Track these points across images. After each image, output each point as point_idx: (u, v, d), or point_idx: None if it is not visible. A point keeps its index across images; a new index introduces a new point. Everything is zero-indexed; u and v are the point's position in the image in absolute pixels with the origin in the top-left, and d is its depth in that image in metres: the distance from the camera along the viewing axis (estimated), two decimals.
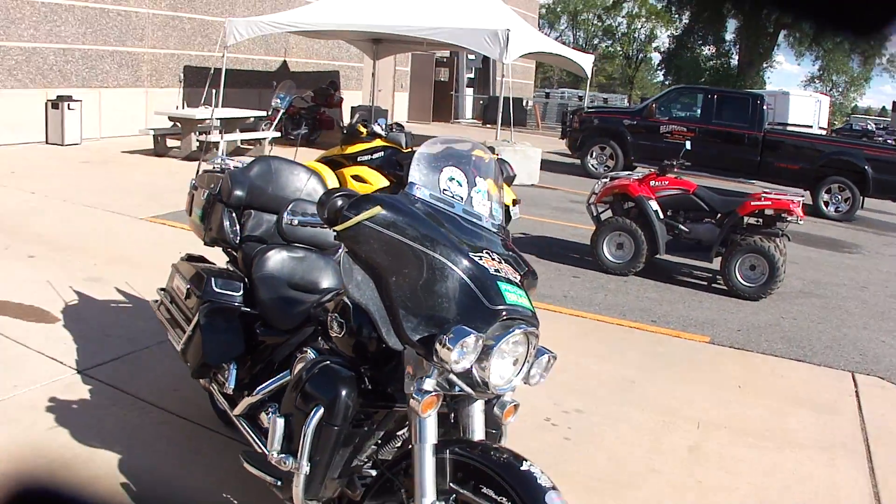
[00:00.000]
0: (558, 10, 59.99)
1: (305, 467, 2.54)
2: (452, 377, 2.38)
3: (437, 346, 2.29)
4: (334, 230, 2.48)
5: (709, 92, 15.72)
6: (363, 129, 9.39)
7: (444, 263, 2.39)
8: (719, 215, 7.74)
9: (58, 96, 13.61)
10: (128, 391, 4.36)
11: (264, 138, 14.74)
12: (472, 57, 25.51)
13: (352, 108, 20.74)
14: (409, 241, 2.40)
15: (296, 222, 2.64)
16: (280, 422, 2.66)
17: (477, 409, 2.54)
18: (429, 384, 2.36)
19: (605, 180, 8.04)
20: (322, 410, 2.53)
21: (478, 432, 2.54)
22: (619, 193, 7.86)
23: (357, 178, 9.25)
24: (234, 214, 3.74)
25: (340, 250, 2.58)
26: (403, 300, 2.42)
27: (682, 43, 48.12)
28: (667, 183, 7.76)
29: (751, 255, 7.36)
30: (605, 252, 7.72)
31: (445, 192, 2.59)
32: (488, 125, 13.93)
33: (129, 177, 11.16)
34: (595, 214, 8.07)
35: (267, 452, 2.70)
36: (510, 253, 2.68)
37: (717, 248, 7.64)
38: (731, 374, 5.47)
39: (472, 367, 2.34)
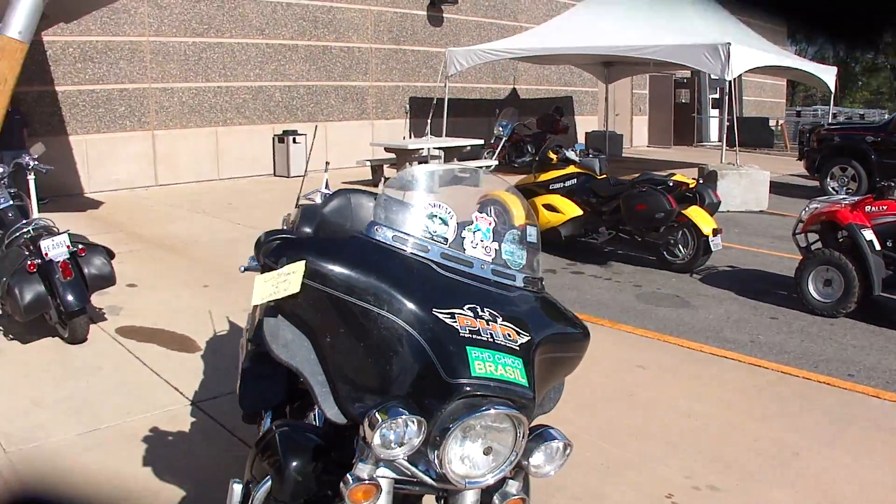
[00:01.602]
0: None
1: None
2: (404, 463, 1.95)
3: (364, 425, 1.89)
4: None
5: None
6: (554, 156, 9.00)
7: (393, 322, 1.98)
8: None
9: (283, 131, 14.41)
10: (227, 427, 4.28)
11: (482, 167, 14.71)
12: (715, 77, 24.24)
13: (585, 133, 20.39)
14: (345, 296, 2.00)
15: (242, 269, 2.33)
16: (237, 489, 2.31)
17: (466, 501, 2.05)
18: (362, 470, 1.93)
19: (813, 206, 7.03)
20: (269, 483, 2.17)
21: None
22: (827, 221, 6.83)
23: (548, 206, 8.88)
24: None
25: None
26: (341, 365, 2.04)
27: None
28: (885, 208, 6.61)
29: None
30: (811, 289, 6.70)
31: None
32: (733, 148, 12.94)
33: None
34: (803, 245, 7.08)
35: None
36: (530, 308, 2.21)
37: None
38: None
39: (429, 454, 1.91)
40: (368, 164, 14.19)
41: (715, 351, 5.71)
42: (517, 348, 2.00)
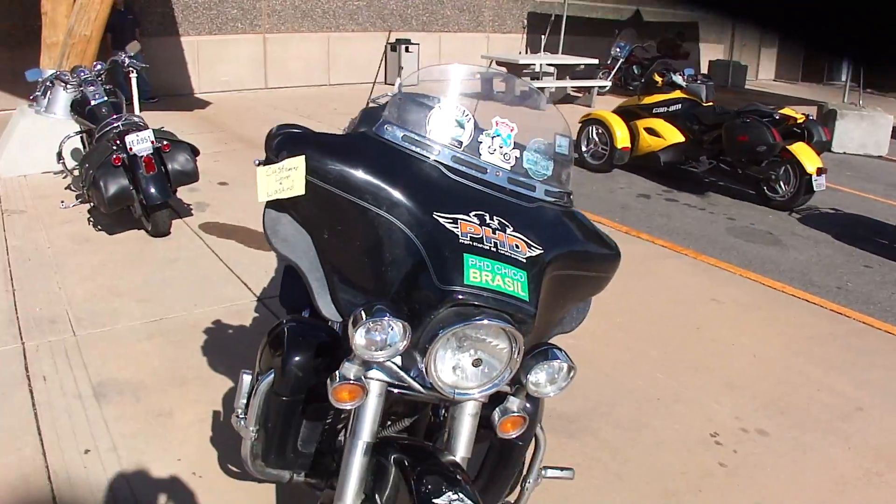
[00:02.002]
0: None
1: (252, 433, 2.23)
2: (393, 367, 1.90)
3: (349, 323, 1.82)
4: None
5: None
6: (659, 79, 8.64)
7: (391, 223, 1.89)
8: None
9: (397, 39, 14.31)
10: None
11: (594, 87, 14.31)
12: None
13: (709, 62, 19.54)
14: (343, 193, 1.93)
15: (256, 163, 2.32)
16: (246, 379, 2.31)
17: (465, 413, 1.98)
18: (349, 369, 1.86)
19: None
20: (272, 376, 2.18)
21: (461, 440, 1.98)
22: None
23: (650, 130, 8.59)
24: None
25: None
26: (338, 263, 2.00)
27: None
28: None
29: None
30: None
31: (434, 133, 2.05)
32: (866, 89, 12.02)
33: None
34: None
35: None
36: (548, 221, 2.07)
37: None
38: None
39: (418, 361, 1.85)
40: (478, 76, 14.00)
41: (797, 293, 5.44)
42: (523, 260, 1.87)
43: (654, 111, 8.65)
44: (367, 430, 1.93)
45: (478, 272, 1.80)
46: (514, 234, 1.93)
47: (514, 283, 1.83)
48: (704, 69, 18.59)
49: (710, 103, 8.43)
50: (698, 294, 5.32)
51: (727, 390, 4.01)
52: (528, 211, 2.04)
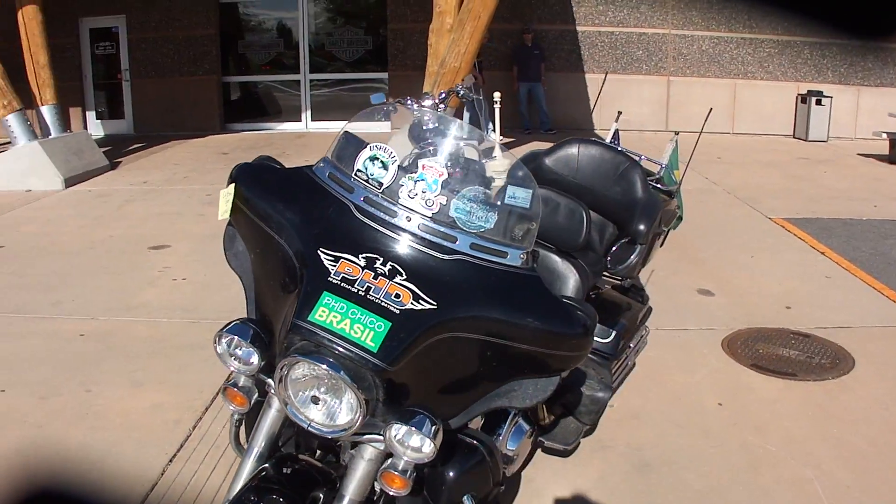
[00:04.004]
0: None
1: (235, 417, 2.13)
2: (269, 381, 1.87)
3: (219, 330, 1.90)
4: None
5: None
6: None
7: (287, 253, 1.89)
8: None
9: (808, 91, 12.98)
10: None
11: None
12: None
13: None
14: (257, 220, 1.99)
15: None
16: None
17: (360, 455, 1.83)
18: (237, 376, 1.92)
19: None
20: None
21: (351, 482, 1.82)
22: None
23: None
24: None
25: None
26: (258, 282, 2.06)
27: None
28: None
29: None
30: None
31: (359, 173, 1.94)
32: None
33: (824, 178, 9.98)
34: None
35: None
36: (461, 277, 1.81)
37: None
38: None
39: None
40: (885, 136, 12.14)
41: None
42: (396, 311, 1.71)
43: None
44: (258, 439, 1.94)
45: (326, 311, 1.72)
46: (402, 282, 1.76)
47: (365, 331, 1.69)
48: None
49: None
50: None
51: None
52: (437, 263, 1.83)
